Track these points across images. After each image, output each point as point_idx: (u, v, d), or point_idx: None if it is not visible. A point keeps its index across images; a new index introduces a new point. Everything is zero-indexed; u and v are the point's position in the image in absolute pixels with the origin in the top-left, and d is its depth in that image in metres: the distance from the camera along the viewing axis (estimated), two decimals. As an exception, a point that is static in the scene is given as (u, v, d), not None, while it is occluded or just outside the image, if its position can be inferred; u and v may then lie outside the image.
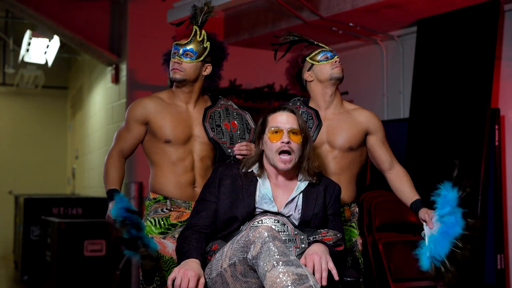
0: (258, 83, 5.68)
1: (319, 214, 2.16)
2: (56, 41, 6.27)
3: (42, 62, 6.96)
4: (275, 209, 2.13)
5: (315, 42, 2.63)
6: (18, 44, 7.07)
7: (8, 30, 7.46)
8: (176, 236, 2.42)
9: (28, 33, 6.27)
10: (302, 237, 2.08)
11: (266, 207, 2.14)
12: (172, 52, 2.47)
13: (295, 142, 2.14)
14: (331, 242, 2.07)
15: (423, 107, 4.66)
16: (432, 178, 4.42)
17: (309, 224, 2.15)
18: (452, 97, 4.45)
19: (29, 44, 6.44)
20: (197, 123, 2.48)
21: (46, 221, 5.46)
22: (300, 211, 2.15)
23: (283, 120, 2.16)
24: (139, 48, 5.25)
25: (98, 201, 5.87)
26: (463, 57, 4.43)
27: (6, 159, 8.48)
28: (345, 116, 2.56)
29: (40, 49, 6.59)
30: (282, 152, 2.13)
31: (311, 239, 2.07)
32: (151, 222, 2.46)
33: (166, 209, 2.45)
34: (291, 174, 2.20)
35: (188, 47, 2.43)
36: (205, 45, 2.46)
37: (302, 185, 2.19)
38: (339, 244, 2.11)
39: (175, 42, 2.47)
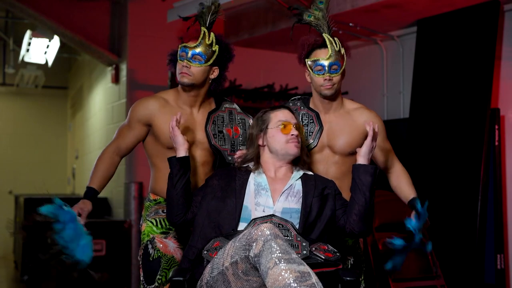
0: (258, 83, 5.68)
1: (321, 218, 2.20)
2: (56, 41, 6.26)
3: (42, 62, 6.95)
4: (270, 201, 2.17)
5: (328, 37, 2.51)
6: (18, 44, 7.06)
7: (8, 30, 7.44)
8: (177, 236, 2.46)
9: (28, 33, 6.26)
10: (304, 244, 2.08)
11: (261, 199, 2.18)
12: (179, 54, 2.37)
13: (299, 136, 2.28)
14: (332, 259, 2.09)
15: (423, 107, 4.66)
16: (431, 178, 4.44)
17: (313, 224, 2.17)
18: (452, 97, 4.45)
19: (29, 44, 6.43)
20: (199, 128, 2.44)
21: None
22: (301, 197, 2.19)
23: (287, 116, 2.30)
24: (139, 48, 5.24)
25: (98, 201, 5.83)
26: (463, 57, 4.43)
27: (6, 159, 8.47)
28: (346, 118, 2.48)
29: (40, 49, 6.58)
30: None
31: (313, 249, 2.08)
32: (152, 223, 2.46)
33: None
34: (289, 168, 2.29)
35: (197, 51, 2.34)
36: (213, 49, 2.37)
37: (297, 174, 2.27)
38: (337, 264, 2.12)
39: (183, 44, 2.37)
